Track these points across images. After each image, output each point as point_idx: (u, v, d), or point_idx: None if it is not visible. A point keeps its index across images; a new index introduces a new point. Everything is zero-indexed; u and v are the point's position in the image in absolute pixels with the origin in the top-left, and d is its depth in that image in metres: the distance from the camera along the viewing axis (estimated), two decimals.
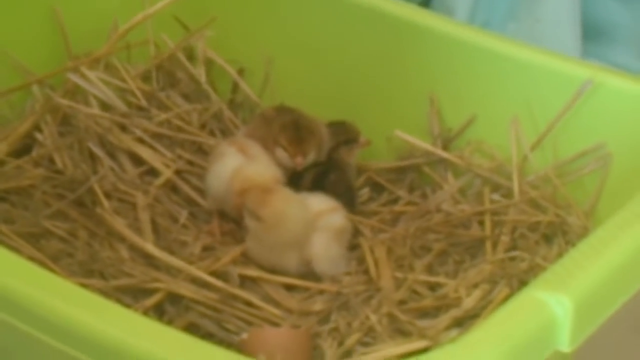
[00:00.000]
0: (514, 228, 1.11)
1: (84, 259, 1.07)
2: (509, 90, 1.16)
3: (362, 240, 1.13)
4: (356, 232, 1.14)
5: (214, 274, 1.05)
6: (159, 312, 1.03)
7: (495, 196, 1.15)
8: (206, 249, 1.11)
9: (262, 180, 1.10)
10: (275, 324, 1.02)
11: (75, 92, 1.24)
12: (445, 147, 1.20)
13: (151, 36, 1.30)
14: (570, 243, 1.07)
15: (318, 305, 1.05)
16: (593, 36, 1.56)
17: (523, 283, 1.02)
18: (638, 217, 0.88)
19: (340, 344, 1.00)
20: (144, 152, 1.20)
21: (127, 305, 1.02)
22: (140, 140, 1.22)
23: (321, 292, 1.07)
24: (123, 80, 1.26)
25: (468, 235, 1.12)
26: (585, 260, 0.83)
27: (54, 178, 1.17)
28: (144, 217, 1.13)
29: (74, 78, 1.23)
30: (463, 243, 1.12)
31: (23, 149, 1.22)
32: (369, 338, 1.01)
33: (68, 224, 1.12)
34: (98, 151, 1.19)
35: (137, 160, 1.21)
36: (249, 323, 1.02)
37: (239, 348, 0.97)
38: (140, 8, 1.26)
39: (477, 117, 1.18)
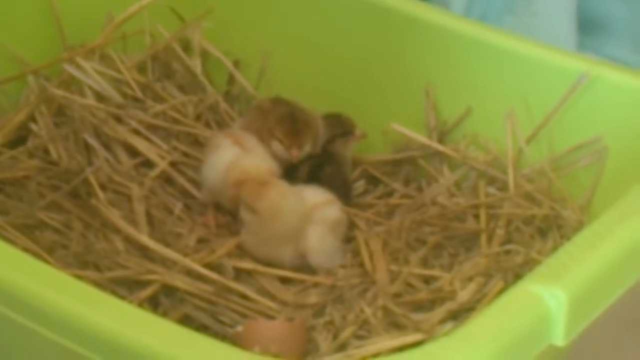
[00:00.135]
0: (509, 221, 1.11)
1: (78, 250, 1.07)
2: (505, 84, 1.16)
3: (358, 233, 1.13)
4: (351, 225, 1.14)
5: (208, 266, 1.05)
6: (153, 304, 1.03)
7: (491, 189, 1.15)
8: (201, 241, 1.11)
9: (258, 172, 1.10)
10: (270, 317, 1.02)
11: (70, 83, 1.24)
12: (440, 140, 1.20)
13: (147, 27, 1.29)
14: (566, 237, 1.07)
15: (313, 298, 1.05)
16: (589, 29, 1.56)
17: (518, 276, 1.02)
18: (633, 211, 0.88)
19: (335, 336, 1.00)
20: (139, 144, 1.20)
21: (122, 297, 1.01)
22: (136, 132, 1.21)
23: (316, 284, 1.07)
24: (118, 71, 1.25)
25: (463, 229, 1.12)
26: (580, 254, 0.83)
27: (48, 169, 1.17)
28: (139, 208, 1.13)
29: (70, 69, 1.23)
30: (458, 236, 1.12)
31: (18, 139, 1.21)
32: (364, 331, 1.01)
33: (63, 215, 1.12)
34: (93, 142, 1.19)
35: (132, 151, 1.20)
36: (244, 315, 1.02)
37: (233, 340, 0.97)
38: None
39: (472, 110, 1.18)
